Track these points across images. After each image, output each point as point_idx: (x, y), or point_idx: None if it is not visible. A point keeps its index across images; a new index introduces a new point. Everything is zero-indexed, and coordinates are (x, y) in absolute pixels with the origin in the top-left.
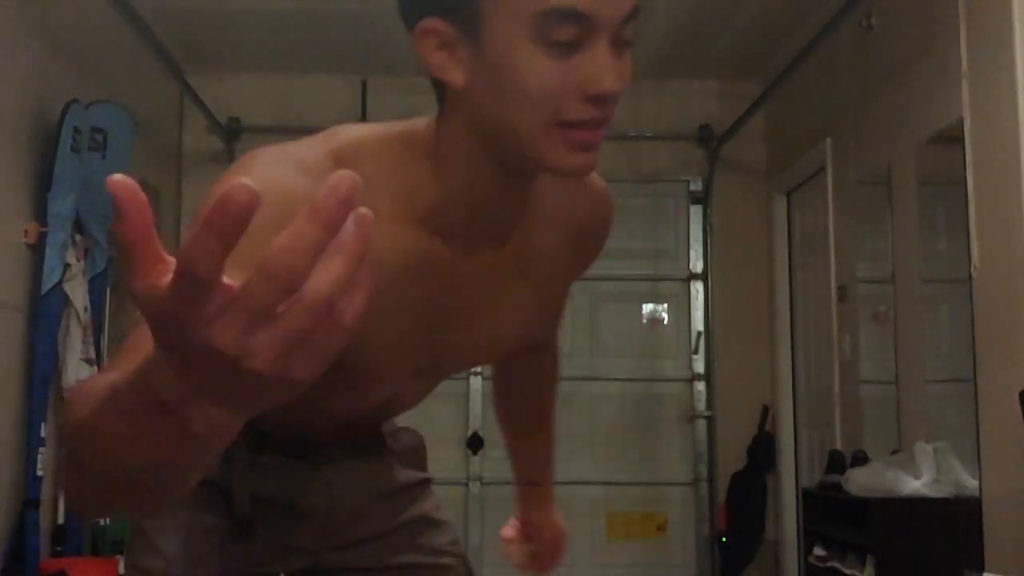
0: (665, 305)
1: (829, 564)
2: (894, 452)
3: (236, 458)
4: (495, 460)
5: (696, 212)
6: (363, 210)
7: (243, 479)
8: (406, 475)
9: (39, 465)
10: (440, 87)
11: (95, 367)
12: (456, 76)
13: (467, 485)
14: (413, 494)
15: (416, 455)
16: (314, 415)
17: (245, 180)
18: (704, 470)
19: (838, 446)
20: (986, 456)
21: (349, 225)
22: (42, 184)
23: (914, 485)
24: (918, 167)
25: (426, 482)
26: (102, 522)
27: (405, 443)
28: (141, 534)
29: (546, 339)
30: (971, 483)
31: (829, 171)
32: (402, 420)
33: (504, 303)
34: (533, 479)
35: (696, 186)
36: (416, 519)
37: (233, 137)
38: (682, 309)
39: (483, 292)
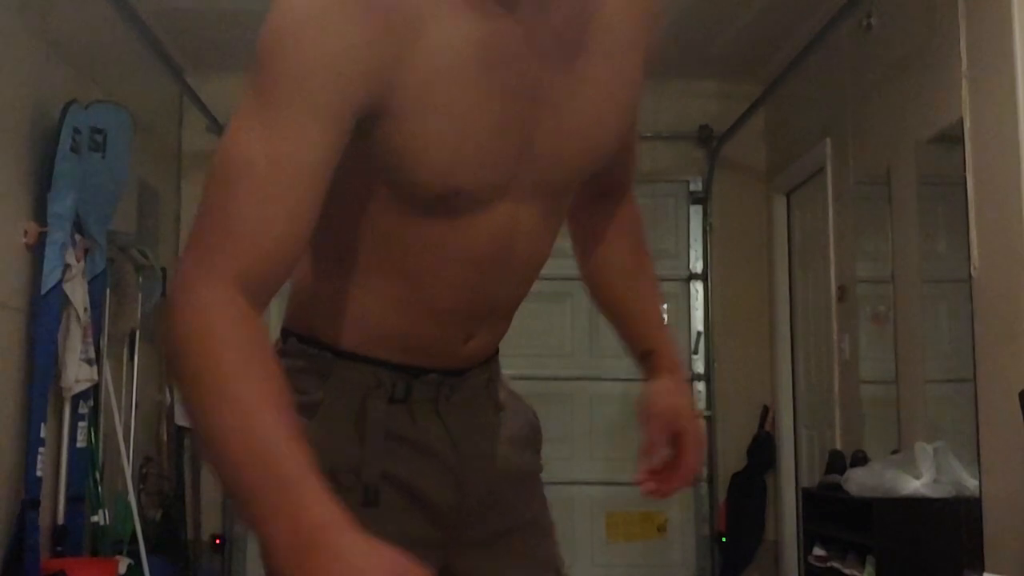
0: (665, 305)
1: (829, 564)
2: (894, 452)
3: (371, 422)
4: None
5: (696, 212)
6: None
7: (376, 455)
8: (527, 459)
9: (39, 465)
10: None
11: (94, 367)
12: None
13: None
14: (535, 487)
15: (536, 438)
16: (434, 284)
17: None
18: (704, 470)
19: (838, 446)
20: (986, 456)
21: None
22: (42, 184)
23: (914, 485)
24: (918, 167)
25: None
26: (102, 522)
27: (522, 416)
28: None
29: (626, 177)
30: (971, 483)
31: (829, 171)
32: None
33: (584, 81)
34: (651, 345)
35: (696, 186)
36: (533, 522)
37: None
38: (682, 309)
39: (561, 68)
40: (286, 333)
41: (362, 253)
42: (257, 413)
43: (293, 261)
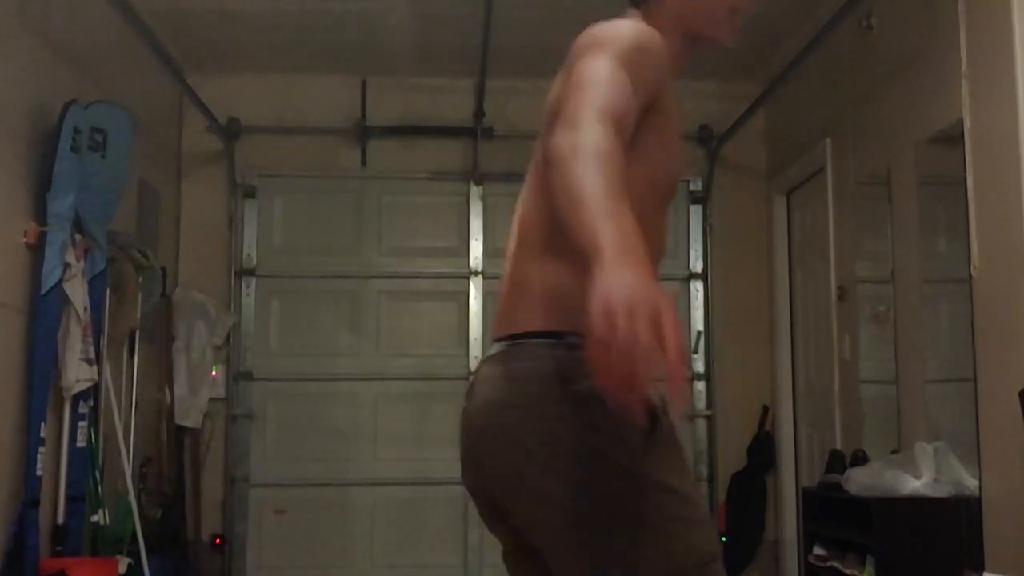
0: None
1: (829, 564)
2: (894, 452)
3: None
4: None
5: (696, 212)
6: None
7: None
8: None
9: (39, 465)
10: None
11: (94, 367)
12: None
13: None
14: None
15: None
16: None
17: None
18: (704, 470)
19: (838, 446)
20: (986, 456)
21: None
22: (42, 184)
23: (914, 485)
24: (918, 167)
25: None
26: (102, 522)
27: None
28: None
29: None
30: (971, 483)
31: (829, 171)
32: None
33: None
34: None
35: (696, 186)
36: None
37: (233, 137)
38: (682, 309)
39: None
40: (556, 334)
41: None
42: (621, 188)
43: (630, 127)
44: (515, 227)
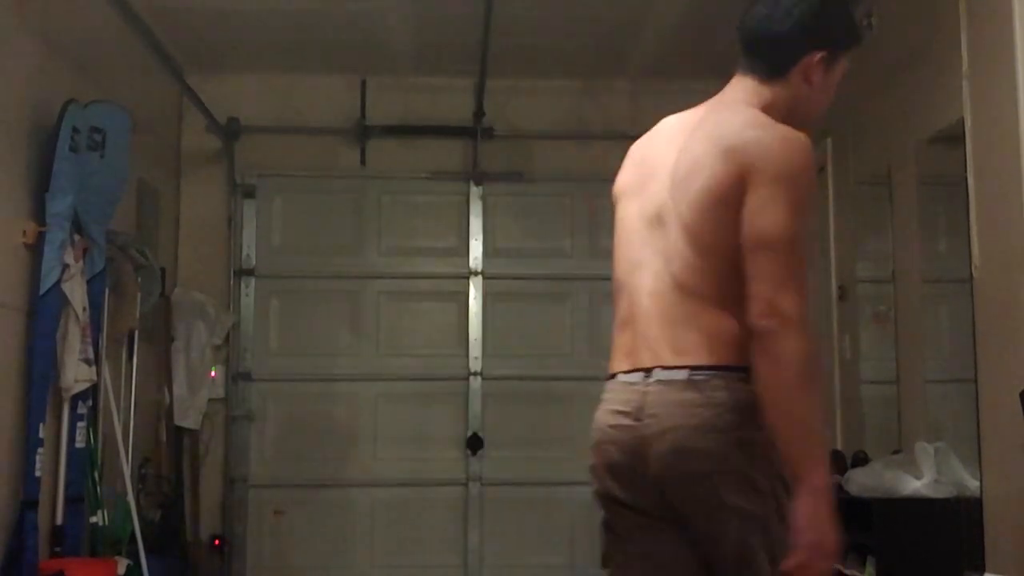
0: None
1: None
2: (895, 452)
3: None
4: (495, 460)
5: None
6: None
7: None
8: None
9: (38, 465)
10: (787, 78)
11: (93, 367)
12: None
13: (467, 485)
14: None
15: None
16: None
17: None
18: None
19: (839, 446)
20: (987, 456)
21: None
22: (41, 184)
23: (915, 485)
24: (918, 167)
25: None
26: (101, 523)
27: None
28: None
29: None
30: (972, 483)
31: (829, 171)
32: (400, 421)
33: None
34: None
35: None
36: None
37: (233, 137)
38: None
39: None
40: (741, 368)
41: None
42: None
43: None
44: (665, 269)
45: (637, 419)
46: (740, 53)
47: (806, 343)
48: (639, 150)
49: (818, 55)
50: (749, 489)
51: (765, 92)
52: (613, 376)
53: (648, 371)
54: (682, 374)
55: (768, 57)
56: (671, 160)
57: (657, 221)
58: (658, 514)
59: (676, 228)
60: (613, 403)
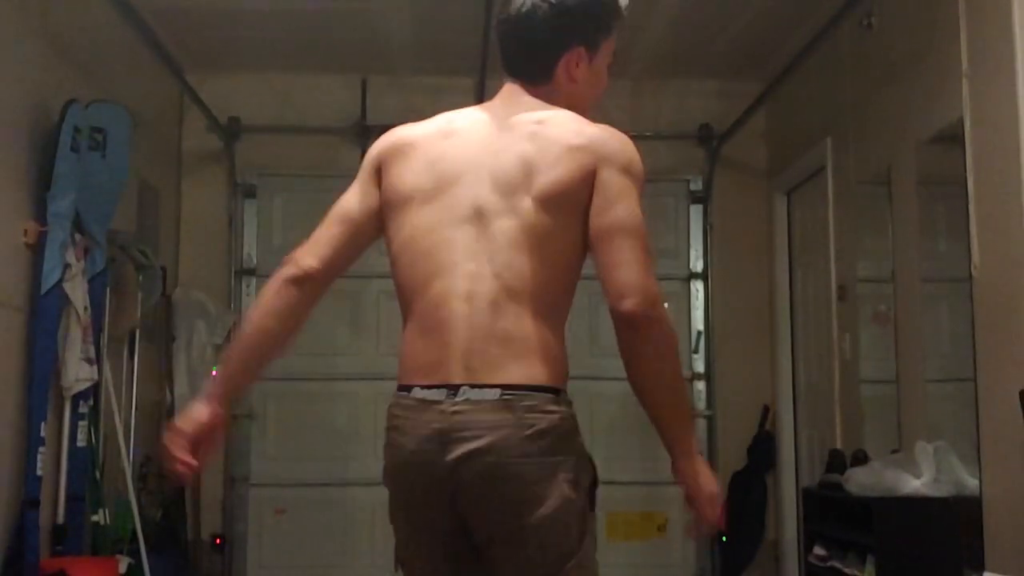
0: (665, 304)
1: (829, 564)
2: (894, 451)
3: None
4: None
5: (696, 211)
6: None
7: None
8: None
9: (39, 464)
10: (553, 81)
11: (94, 366)
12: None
13: None
14: None
15: None
16: None
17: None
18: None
19: (838, 445)
20: (986, 455)
21: None
22: (42, 183)
23: (914, 484)
24: (918, 167)
25: None
26: (102, 522)
27: None
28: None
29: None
30: (971, 482)
31: (829, 171)
32: None
33: None
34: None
35: (696, 185)
36: None
37: (233, 137)
38: (682, 308)
39: None
40: (556, 390)
41: (567, 304)
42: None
43: None
44: (487, 271)
45: (441, 443)
46: (501, 61)
47: (672, 325)
48: (423, 152)
49: (575, 52)
50: (561, 514)
51: (541, 95)
52: (407, 389)
53: (455, 388)
54: (494, 393)
55: (529, 64)
56: (486, 160)
57: (475, 221)
58: (459, 540)
59: (507, 227)
60: (413, 424)
